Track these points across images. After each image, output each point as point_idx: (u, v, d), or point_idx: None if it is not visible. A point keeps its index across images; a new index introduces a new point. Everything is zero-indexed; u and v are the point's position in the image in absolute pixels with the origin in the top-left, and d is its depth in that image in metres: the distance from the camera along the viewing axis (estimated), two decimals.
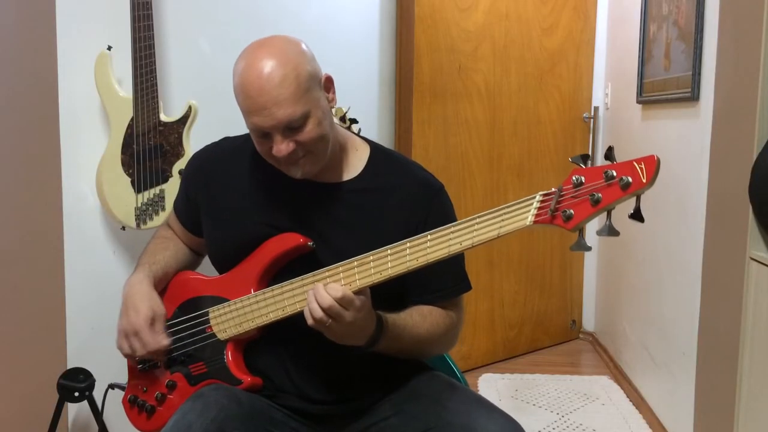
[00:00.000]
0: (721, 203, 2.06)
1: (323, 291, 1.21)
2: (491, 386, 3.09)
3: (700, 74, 2.30)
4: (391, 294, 1.38)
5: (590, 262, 3.74)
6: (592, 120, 3.59)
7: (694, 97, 2.33)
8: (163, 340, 1.42)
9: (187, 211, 1.56)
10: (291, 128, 1.29)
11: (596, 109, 3.59)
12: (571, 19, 3.43)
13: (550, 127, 3.46)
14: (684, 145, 2.45)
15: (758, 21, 1.75)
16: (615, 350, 3.35)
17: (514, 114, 3.32)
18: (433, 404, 1.34)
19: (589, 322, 3.79)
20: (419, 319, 1.39)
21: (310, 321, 1.23)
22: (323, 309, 1.21)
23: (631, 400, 2.96)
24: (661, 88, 2.68)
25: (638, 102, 2.95)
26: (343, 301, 1.21)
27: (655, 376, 2.75)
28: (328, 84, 1.38)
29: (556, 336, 3.69)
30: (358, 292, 1.24)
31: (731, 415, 1.83)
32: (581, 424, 2.73)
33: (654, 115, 2.84)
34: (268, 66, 1.27)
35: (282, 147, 1.30)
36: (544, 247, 3.54)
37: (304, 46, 1.35)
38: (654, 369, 2.76)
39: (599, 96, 3.61)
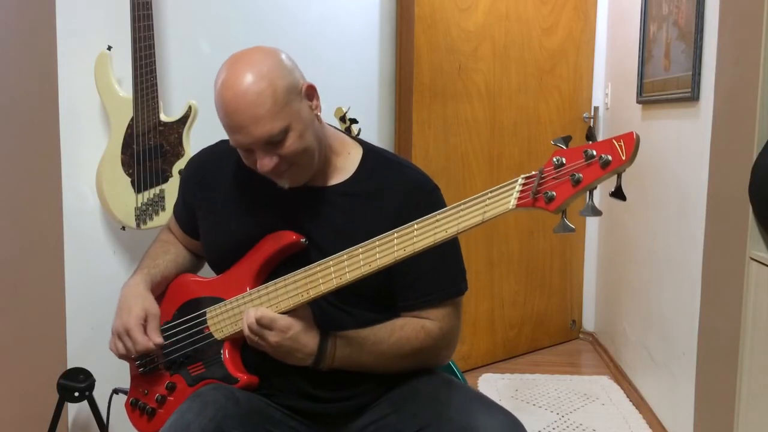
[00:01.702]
0: (721, 203, 2.06)
1: (251, 311, 1.30)
2: (491, 386, 3.09)
3: (700, 74, 2.30)
4: (380, 297, 1.39)
5: (590, 262, 3.74)
6: (592, 120, 3.59)
7: (694, 97, 2.33)
8: (156, 339, 1.42)
9: (185, 214, 1.57)
10: (272, 143, 1.29)
11: (596, 109, 3.59)
12: (571, 19, 3.43)
13: (550, 127, 3.46)
14: (684, 145, 2.45)
15: (758, 21, 1.74)
16: (615, 350, 3.35)
17: (514, 114, 3.32)
18: (432, 402, 1.34)
19: (589, 322, 3.79)
20: (385, 334, 1.36)
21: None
22: (249, 327, 1.29)
23: (631, 400, 2.96)
24: (661, 88, 2.68)
25: (638, 102, 2.95)
26: (261, 322, 1.28)
27: (655, 376, 2.75)
28: (311, 92, 1.35)
29: (556, 336, 3.69)
30: (287, 313, 1.29)
31: (731, 415, 1.83)
32: (581, 424, 2.73)
33: (654, 115, 2.84)
34: (243, 84, 1.26)
35: (265, 162, 1.30)
36: (544, 247, 3.54)
37: (282, 57, 1.33)
38: (654, 369, 2.76)
39: (599, 96, 3.61)
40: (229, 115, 1.28)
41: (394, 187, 1.41)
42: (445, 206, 1.43)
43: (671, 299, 2.59)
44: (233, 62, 1.31)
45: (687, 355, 2.36)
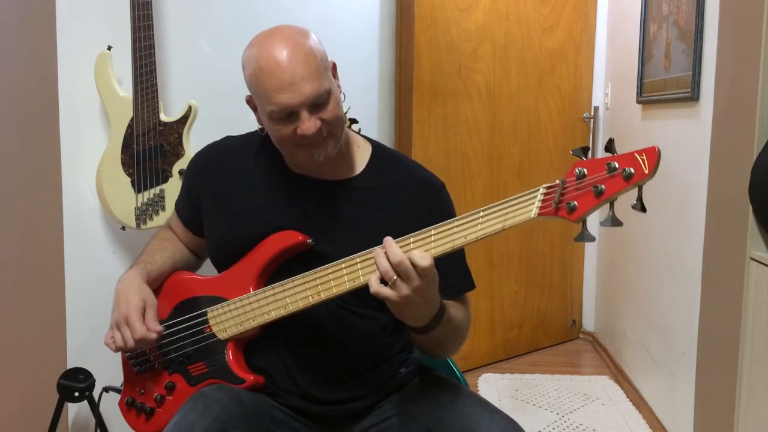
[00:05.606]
0: (721, 203, 2.06)
1: (396, 247, 1.17)
2: (491, 386, 3.09)
3: (700, 74, 2.30)
4: None
5: (590, 262, 3.74)
6: (592, 120, 3.59)
7: (694, 97, 2.33)
8: (155, 327, 1.38)
9: (188, 210, 1.56)
10: (316, 105, 1.30)
11: (596, 109, 3.59)
12: (571, 19, 3.43)
13: (550, 127, 3.46)
14: (684, 145, 2.45)
15: (758, 21, 1.74)
16: (615, 350, 3.35)
17: (514, 114, 3.32)
18: (434, 405, 1.34)
19: (589, 322, 3.79)
20: (453, 308, 1.34)
21: (375, 282, 1.18)
22: (393, 264, 1.16)
23: (631, 400, 2.96)
24: (661, 88, 2.68)
25: (638, 102, 2.95)
26: (422, 272, 1.15)
27: (655, 376, 2.75)
28: (334, 71, 1.40)
29: (556, 336, 3.69)
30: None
31: (731, 415, 1.83)
32: (581, 424, 2.73)
33: (654, 115, 2.84)
34: (288, 46, 1.29)
35: (310, 124, 1.29)
36: (544, 247, 3.54)
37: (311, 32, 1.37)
38: (654, 369, 2.77)
39: (599, 96, 3.61)
40: (277, 74, 1.28)
41: (404, 184, 1.43)
42: (452, 204, 1.44)
43: (671, 299, 2.59)
44: (268, 35, 1.33)
45: (687, 355, 2.36)
